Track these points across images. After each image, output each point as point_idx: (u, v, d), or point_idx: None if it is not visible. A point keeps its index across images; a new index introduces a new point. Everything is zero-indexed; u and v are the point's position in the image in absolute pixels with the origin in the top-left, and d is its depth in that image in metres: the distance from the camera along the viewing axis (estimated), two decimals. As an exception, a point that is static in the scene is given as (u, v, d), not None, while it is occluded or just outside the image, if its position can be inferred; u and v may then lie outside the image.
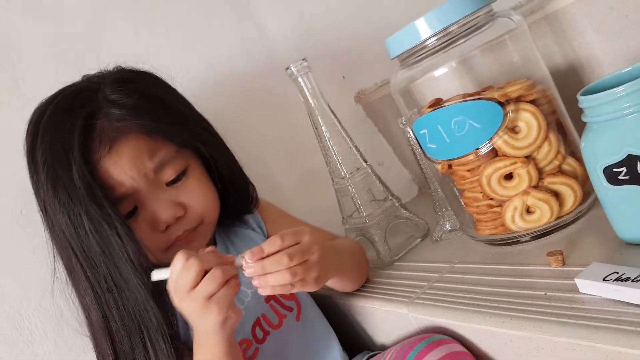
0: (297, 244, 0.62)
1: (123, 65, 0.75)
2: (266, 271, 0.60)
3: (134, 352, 0.67)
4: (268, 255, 0.60)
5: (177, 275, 0.59)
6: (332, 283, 0.77)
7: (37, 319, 0.83)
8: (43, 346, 0.83)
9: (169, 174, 0.71)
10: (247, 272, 0.61)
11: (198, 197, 0.73)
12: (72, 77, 0.75)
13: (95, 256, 0.66)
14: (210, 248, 0.62)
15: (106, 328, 0.68)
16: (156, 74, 0.77)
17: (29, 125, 0.70)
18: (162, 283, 0.62)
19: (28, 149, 0.70)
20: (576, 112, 0.58)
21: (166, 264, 0.62)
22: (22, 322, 0.83)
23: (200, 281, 0.58)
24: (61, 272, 0.72)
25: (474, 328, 0.60)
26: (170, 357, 0.66)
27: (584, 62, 0.76)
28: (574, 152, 0.69)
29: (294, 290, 0.62)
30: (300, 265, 0.61)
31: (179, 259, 0.59)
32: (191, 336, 0.66)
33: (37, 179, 0.68)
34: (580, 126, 0.58)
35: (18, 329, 0.82)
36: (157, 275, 0.62)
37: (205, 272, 0.59)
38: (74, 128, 0.65)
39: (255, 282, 0.61)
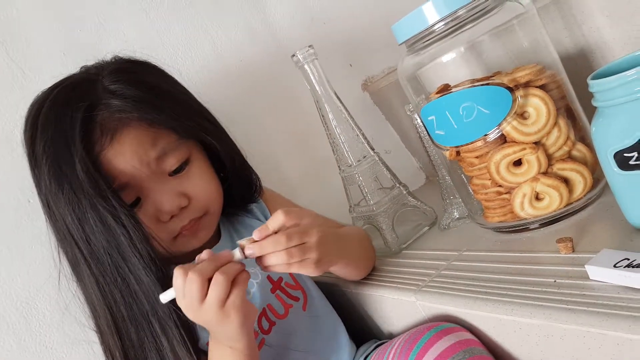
0: (298, 225, 0.63)
1: (121, 55, 0.74)
2: (265, 251, 0.60)
3: (143, 344, 0.67)
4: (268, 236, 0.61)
5: (183, 293, 0.58)
6: (337, 270, 0.76)
7: (45, 308, 0.84)
8: (50, 336, 0.84)
9: (171, 163, 0.70)
10: (247, 252, 0.61)
11: (201, 186, 0.73)
12: (79, 66, 0.74)
13: (100, 249, 0.65)
14: (205, 252, 0.61)
15: (113, 321, 0.68)
16: (154, 64, 0.76)
17: (27, 119, 0.69)
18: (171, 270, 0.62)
19: (27, 143, 0.68)
20: (586, 98, 0.57)
21: (177, 258, 0.61)
22: (29, 311, 0.83)
23: (207, 291, 0.57)
24: (67, 265, 0.71)
25: (483, 316, 0.59)
26: (184, 344, 0.66)
27: (593, 46, 0.75)
28: (583, 138, 0.68)
29: (293, 271, 0.62)
30: (297, 247, 0.61)
31: (178, 277, 0.58)
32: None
33: (38, 173, 0.67)
34: (590, 112, 0.57)
35: (25, 318, 0.83)
36: (165, 296, 0.61)
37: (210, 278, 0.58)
38: (75, 121, 0.64)
39: (258, 262, 0.61)
